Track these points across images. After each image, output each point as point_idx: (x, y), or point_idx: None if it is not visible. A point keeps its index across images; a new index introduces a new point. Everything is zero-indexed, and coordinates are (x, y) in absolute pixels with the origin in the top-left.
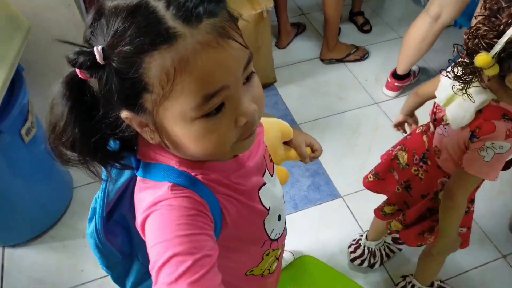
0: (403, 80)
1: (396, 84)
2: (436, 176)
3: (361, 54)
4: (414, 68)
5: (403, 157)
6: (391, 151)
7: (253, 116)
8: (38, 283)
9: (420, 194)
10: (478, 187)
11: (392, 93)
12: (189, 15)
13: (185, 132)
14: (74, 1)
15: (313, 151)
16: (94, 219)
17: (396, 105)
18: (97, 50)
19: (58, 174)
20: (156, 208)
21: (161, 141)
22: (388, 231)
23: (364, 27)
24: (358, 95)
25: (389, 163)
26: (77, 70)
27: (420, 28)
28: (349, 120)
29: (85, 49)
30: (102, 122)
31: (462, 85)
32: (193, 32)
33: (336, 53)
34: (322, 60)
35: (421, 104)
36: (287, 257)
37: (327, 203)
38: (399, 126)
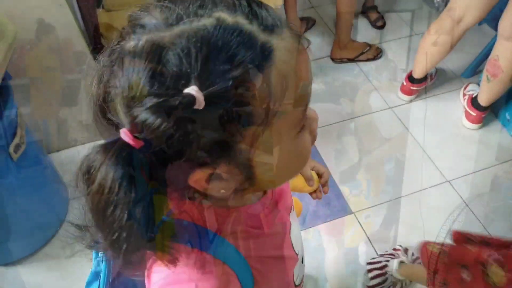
0: (420, 84)
1: (411, 88)
2: None
3: (374, 53)
4: (431, 70)
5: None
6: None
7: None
8: None
9: None
10: None
11: (407, 97)
12: (273, 24)
13: (285, 155)
14: (66, 1)
15: (319, 175)
16: (98, 285)
17: (411, 110)
18: (196, 91)
19: (51, 188)
20: None
21: (240, 186)
22: None
23: (377, 23)
24: (370, 99)
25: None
26: (129, 136)
27: (441, 31)
28: (361, 126)
29: (170, 98)
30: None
31: None
32: (283, 42)
33: (348, 52)
34: (333, 60)
35: None
36: None
37: (337, 219)
38: None
